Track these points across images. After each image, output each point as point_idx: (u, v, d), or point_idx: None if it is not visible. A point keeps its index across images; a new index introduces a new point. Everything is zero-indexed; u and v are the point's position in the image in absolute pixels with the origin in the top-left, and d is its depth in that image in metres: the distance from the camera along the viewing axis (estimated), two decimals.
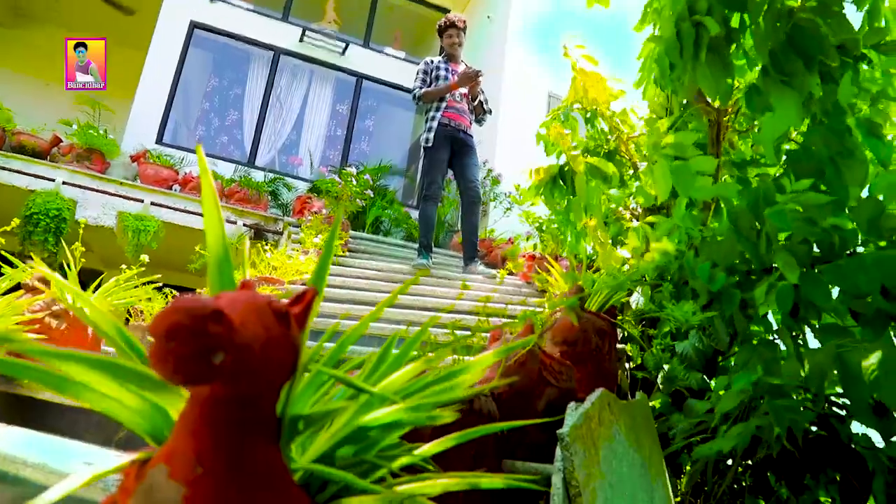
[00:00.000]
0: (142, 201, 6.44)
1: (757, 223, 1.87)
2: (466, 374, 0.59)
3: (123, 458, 0.49)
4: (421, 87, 4.91)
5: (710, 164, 1.92)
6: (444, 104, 4.87)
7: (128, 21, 10.13)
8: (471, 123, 4.98)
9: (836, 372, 1.52)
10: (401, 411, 0.51)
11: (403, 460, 0.56)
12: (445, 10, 9.97)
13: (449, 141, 4.83)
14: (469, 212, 4.90)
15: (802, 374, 1.64)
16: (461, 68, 4.95)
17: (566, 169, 2.81)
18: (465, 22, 5.04)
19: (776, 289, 1.61)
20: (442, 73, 4.94)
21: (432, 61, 5.03)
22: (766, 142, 1.85)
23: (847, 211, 1.85)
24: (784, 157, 2.02)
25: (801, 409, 1.66)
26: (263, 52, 8.87)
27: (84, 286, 2.10)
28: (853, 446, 1.79)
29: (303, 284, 3.64)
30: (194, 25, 8.46)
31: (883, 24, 2.20)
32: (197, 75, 8.88)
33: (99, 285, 2.23)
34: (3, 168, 6.13)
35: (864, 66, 2.18)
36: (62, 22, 10.61)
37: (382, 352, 0.62)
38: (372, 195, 7.21)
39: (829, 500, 1.91)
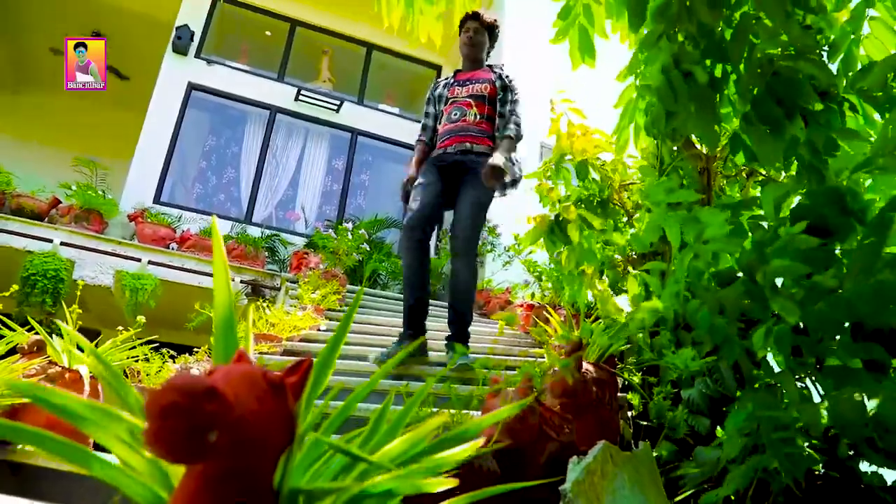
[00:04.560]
0: (139, 260, 6.46)
1: (763, 271, 1.87)
2: (463, 440, 0.59)
3: None
4: (421, 133, 3.68)
5: (718, 218, 1.94)
6: (439, 134, 3.58)
7: (127, 85, 10.37)
8: (484, 139, 3.43)
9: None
10: (398, 479, 0.51)
11: None
12: (436, 66, 10.23)
13: (436, 166, 3.44)
14: (453, 267, 3.31)
15: (823, 420, 1.63)
16: (488, 77, 3.56)
17: (560, 218, 2.84)
18: (493, 19, 3.68)
19: (773, 333, 1.60)
20: (440, 91, 3.69)
21: (436, 84, 3.80)
22: (767, 201, 1.88)
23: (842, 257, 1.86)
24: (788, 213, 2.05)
25: (807, 452, 1.64)
26: (260, 112, 9.06)
27: (80, 347, 2.10)
28: (862, 486, 1.75)
29: (300, 341, 3.63)
30: (192, 87, 8.66)
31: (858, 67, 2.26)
32: (194, 135, 9.04)
33: (96, 346, 2.22)
34: (1, 230, 6.17)
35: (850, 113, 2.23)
36: (64, 88, 10.86)
37: (378, 415, 0.62)
38: (368, 249, 7.24)
39: None
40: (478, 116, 3.45)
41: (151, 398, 0.37)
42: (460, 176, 3.35)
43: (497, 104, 3.49)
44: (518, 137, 3.46)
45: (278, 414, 0.44)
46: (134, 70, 10.13)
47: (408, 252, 3.22)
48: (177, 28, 8.59)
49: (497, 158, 3.20)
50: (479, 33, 3.61)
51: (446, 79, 3.74)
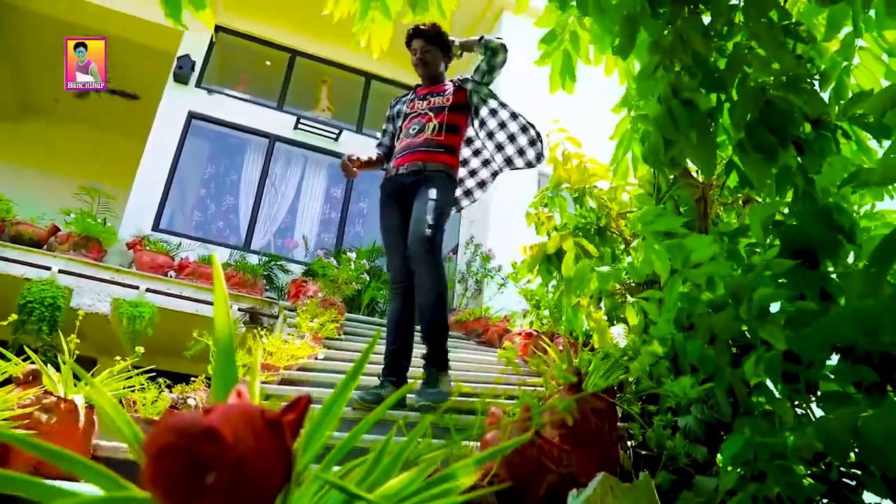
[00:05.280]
0: (137, 288, 6.45)
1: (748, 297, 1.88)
2: (460, 477, 0.59)
3: None
4: (379, 143, 3.58)
5: (704, 243, 1.95)
6: (395, 151, 3.35)
7: (128, 113, 10.47)
8: (439, 154, 3.13)
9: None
10: None
11: None
12: None
13: (394, 195, 3.23)
14: (416, 280, 2.93)
15: (818, 445, 1.62)
16: (449, 88, 3.34)
17: (557, 247, 2.85)
18: (434, 28, 3.30)
19: (763, 359, 1.60)
20: (398, 107, 3.50)
21: (395, 100, 3.60)
22: (755, 223, 1.89)
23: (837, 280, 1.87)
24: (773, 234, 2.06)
25: (808, 481, 1.62)
26: (259, 140, 9.13)
27: (76, 375, 2.09)
28: None
29: (298, 370, 3.61)
30: (192, 116, 8.74)
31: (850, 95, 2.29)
32: (194, 163, 9.10)
33: (92, 377, 2.20)
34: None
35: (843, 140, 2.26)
36: (65, 115, 10.97)
37: (379, 450, 0.62)
38: (367, 278, 7.24)
39: None
40: (437, 128, 3.18)
41: (150, 439, 0.37)
42: (411, 192, 3.12)
43: (460, 111, 3.27)
44: (483, 48, 3.24)
45: (276, 452, 0.44)
46: (140, 90, 10.23)
47: (393, 299, 3.08)
48: (178, 58, 8.71)
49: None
50: (428, 50, 3.34)
51: (406, 94, 3.54)
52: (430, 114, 3.23)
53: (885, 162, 1.78)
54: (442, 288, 2.85)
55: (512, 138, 3.28)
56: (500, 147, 3.31)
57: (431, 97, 3.31)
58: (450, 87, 3.32)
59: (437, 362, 2.85)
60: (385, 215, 3.23)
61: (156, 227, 7.99)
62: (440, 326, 2.86)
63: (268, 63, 9.98)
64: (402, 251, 3.07)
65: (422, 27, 3.24)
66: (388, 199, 3.23)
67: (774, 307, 1.94)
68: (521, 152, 3.25)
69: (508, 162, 3.31)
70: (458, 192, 3.35)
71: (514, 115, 3.31)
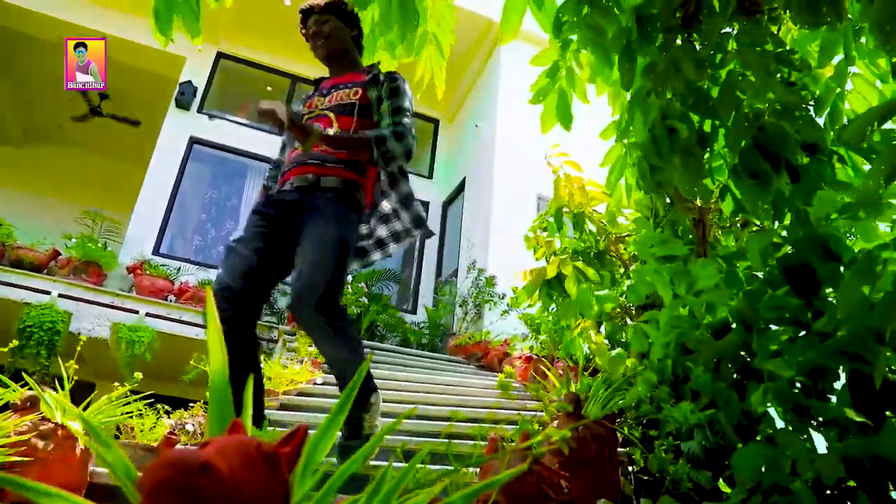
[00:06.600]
0: (137, 312, 6.45)
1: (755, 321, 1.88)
2: None
3: None
4: (268, 172, 2.68)
5: (710, 270, 1.96)
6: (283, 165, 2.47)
7: (130, 138, 10.54)
8: (338, 168, 2.26)
9: None
10: None
11: None
12: (434, 120, 10.41)
13: (263, 213, 2.26)
14: (320, 350, 2.15)
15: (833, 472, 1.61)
16: (364, 78, 2.45)
17: (558, 271, 2.85)
18: (324, 3, 2.49)
19: (771, 390, 1.60)
20: (297, 108, 2.53)
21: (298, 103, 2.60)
22: (753, 251, 1.90)
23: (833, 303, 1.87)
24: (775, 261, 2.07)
25: None
26: (259, 165, 9.19)
27: (75, 400, 2.08)
28: None
29: (297, 395, 3.60)
30: (193, 141, 8.81)
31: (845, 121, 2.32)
32: (195, 187, 9.15)
33: (89, 404, 2.20)
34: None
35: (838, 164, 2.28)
36: (68, 140, 11.05)
37: (378, 479, 0.62)
38: (367, 301, 7.23)
39: None
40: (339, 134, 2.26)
41: (146, 475, 0.38)
42: (300, 221, 2.20)
43: (372, 115, 2.38)
44: (397, 149, 2.34)
45: (272, 485, 0.44)
46: (141, 116, 10.32)
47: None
48: (180, 84, 8.80)
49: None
50: (325, 22, 2.48)
51: (314, 89, 2.59)
52: (331, 114, 2.36)
53: (862, 193, 1.79)
54: (357, 357, 2.05)
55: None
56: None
57: (335, 90, 2.44)
58: (364, 77, 2.45)
59: (357, 435, 2.07)
60: (247, 224, 2.27)
61: (156, 252, 8.01)
62: (361, 400, 2.07)
63: (269, 89, 10.08)
64: (245, 270, 2.12)
65: (306, 6, 2.51)
66: (256, 217, 2.27)
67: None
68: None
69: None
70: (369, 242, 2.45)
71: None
